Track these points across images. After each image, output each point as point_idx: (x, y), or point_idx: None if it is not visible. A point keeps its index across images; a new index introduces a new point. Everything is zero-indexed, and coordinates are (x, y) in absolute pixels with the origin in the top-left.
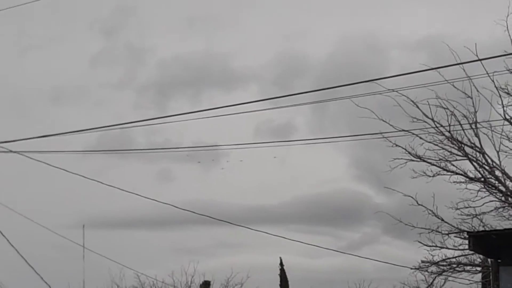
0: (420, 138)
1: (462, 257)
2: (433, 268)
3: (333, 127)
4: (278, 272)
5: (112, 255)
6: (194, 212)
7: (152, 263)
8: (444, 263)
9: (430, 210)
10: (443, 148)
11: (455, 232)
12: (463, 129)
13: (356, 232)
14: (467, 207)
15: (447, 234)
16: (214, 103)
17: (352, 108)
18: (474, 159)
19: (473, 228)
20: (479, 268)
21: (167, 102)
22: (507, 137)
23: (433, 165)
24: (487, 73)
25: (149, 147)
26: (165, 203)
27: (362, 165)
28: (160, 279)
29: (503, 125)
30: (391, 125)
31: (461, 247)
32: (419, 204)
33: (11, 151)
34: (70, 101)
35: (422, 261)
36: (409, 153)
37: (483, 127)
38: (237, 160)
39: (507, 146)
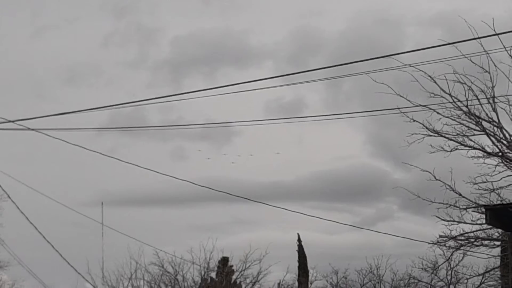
0: (438, 113)
1: (480, 232)
2: (451, 243)
3: (347, 104)
4: (296, 248)
5: (131, 232)
6: (212, 189)
7: (171, 240)
8: (462, 238)
9: (448, 185)
10: (460, 123)
11: (473, 207)
12: (480, 104)
13: (373, 208)
14: (484, 182)
15: (465, 209)
16: (229, 80)
17: (366, 84)
18: (492, 133)
19: (491, 202)
20: (497, 243)
21: (182, 80)
22: None
23: (451, 140)
24: (505, 48)
25: (162, 125)
26: (183, 180)
27: (378, 141)
28: (179, 256)
29: None
30: (408, 100)
31: (478, 222)
32: (436, 179)
33: (28, 129)
34: (84, 80)
35: (440, 236)
36: (427, 128)
37: (501, 101)
38: (251, 137)
39: None
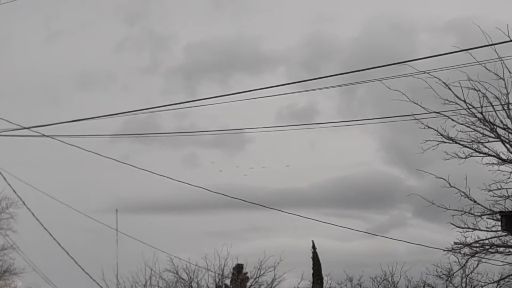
0: (452, 120)
1: (495, 239)
2: (466, 250)
3: (361, 111)
4: (311, 255)
5: (145, 239)
6: (226, 195)
7: (185, 247)
8: (477, 245)
9: (462, 192)
10: (475, 130)
11: (488, 214)
12: (495, 111)
13: (386, 215)
14: (499, 189)
15: (480, 216)
16: (242, 87)
17: (380, 91)
18: (507, 140)
19: (506, 209)
20: None
21: (195, 87)
22: None
23: (465, 146)
24: None
25: (175, 132)
26: (198, 187)
27: (392, 148)
28: (194, 262)
29: None
30: (422, 107)
31: (494, 229)
32: (451, 186)
33: (44, 135)
34: (98, 86)
35: (455, 243)
36: (441, 135)
37: None
38: (264, 144)
39: None
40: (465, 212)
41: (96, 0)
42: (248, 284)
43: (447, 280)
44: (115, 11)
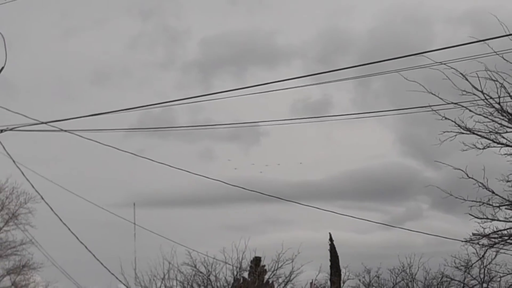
0: (470, 110)
1: None
2: (484, 241)
3: (376, 103)
4: (328, 247)
5: (163, 232)
6: (244, 188)
7: (203, 240)
8: (496, 236)
9: (480, 182)
10: (493, 121)
11: (506, 204)
12: None
13: (403, 207)
14: None
15: (498, 207)
16: (257, 80)
17: (396, 83)
18: None
19: None
20: None
21: (211, 81)
22: None
23: (483, 137)
24: None
25: (190, 125)
26: (216, 180)
27: (408, 139)
28: (212, 256)
29: None
30: (440, 98)
31: None
32: (469, 177)
33: (62, 130)
34: (113, 81)
35: (473, 234)
36: (459, 126)
37: None
38: (279, 137)
39: None
40: (483, 203)
41: None
42: (266, 276)
43: (465, 271)
44: (129, 7)
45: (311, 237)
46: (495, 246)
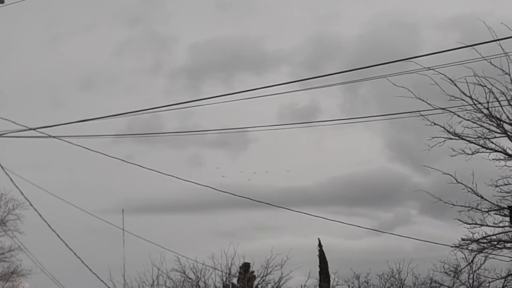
0: (458, 116)
1: (502, 234)
2: (474, 246)
3: (364, 108)
4: (317, 253)
5: (152, 238)
6: (233, 194)
7: (192, 246)
8: (485, 241)
9: (469, 188)
10: (481, 126)
11: (495, 210)
12: (501, 106)
13: (391, 212)
14: (506, 184)
15: (487, 212)
16: (246, 86)
17: (384, 89)
18: None
19: None
20: None
21: (199, 87)
22: None
23: (472, 142)
24: None
25: (178, 131)
26: (205, 186)
27: (397, 145)
28: (201, 262)
29: None
30: (428, 103)
31: (501, 224)
32: (458, 182)
33: (50, 136)
34: (101, 87)
35: (462, 239)
36: (448, 131)
37: None
38: (267, 143)
39: None
40: (472, 208)
41: (98, 2)
42: (255, 282)
43: (454, 276)
44: (117, 13)
45: (300, 243)
46: (484, 251)
